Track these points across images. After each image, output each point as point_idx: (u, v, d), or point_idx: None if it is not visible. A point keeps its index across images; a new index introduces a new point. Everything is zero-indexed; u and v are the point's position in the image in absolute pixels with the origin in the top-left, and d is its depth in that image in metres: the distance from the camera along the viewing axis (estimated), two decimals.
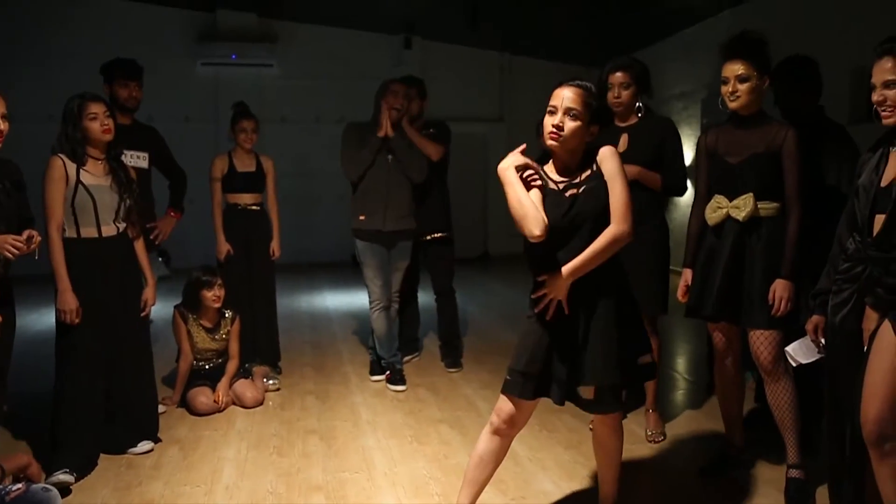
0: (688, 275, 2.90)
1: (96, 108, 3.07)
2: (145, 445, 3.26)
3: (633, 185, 3.14)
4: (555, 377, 2.28)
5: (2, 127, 2.63)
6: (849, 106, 5.11)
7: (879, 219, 2.06)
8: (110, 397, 3.18)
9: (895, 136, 2.10)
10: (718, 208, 2.75)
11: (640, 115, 3.24)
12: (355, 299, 6.72)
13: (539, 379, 2.28)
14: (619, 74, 3.18)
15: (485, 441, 2.38)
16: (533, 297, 2.30)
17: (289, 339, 5.14)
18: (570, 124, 2.22)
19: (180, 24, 8.99)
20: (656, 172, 3.20)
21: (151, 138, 3.92)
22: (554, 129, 2.23)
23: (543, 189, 2.26)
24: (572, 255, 2.23)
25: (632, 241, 3.16)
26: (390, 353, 4.25)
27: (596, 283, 2.26)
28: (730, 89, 2.67)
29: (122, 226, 3.18)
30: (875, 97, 2.04)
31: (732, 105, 2.69)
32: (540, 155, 2.37)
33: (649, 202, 3.24)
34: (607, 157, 2.27)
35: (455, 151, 4.58)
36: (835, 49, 4.92)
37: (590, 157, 2.30)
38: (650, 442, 3.30)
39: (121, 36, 8.07)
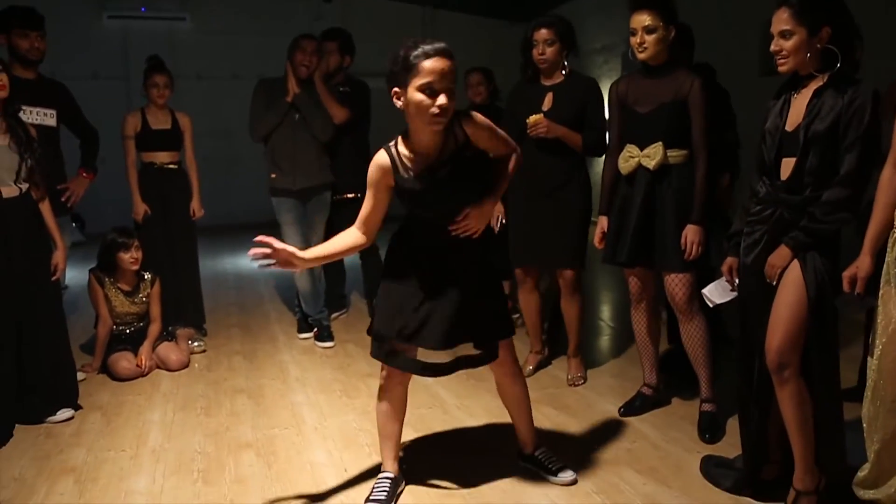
0: (603, 222, 2.99)
1: None
2: (64, 413, 3.16)
3: (556, 146, 3.22)
4: (431, 340, 2.29)
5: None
6: (759, 58, 5.30)
7: (787, 162, 2.17)
8: (23, 367, 3.06)
9: (796, 83, 2.20)
10: (630, 158, 2.83)
11: (564, 73, 3.27)
12: None
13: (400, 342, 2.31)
14: (543, 31, 3.18)
15: (380, 398, 2.45)
16: (451, 227, 2.25)
17: (214, 300, 5.05)
18: (452, 103, 2.11)
19: None
20: (578, 133, 3.25)
21: (58, 94, 3.70)
22: (439, 113, 2.08)
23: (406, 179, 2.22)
24: (437, 222, 2.26)
25: (558, 198, 3.26)
26: (316, 309, 4.24)
27: (463, 248, 2.30)
28: (637, 40, 2.73)
29: (24, 186, 3.01)
30: (772, 46, 2.13)
31: (641, 56, 2.76)
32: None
33: (573, 162, 3.30)
34: (472, 120, 2.23)
35: (377, 107, 4.52)
36: (745, 4, 5.08)
37: (450, 131, 2.21)
38: (571, 386, 3.43)
39: None
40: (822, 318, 2.12)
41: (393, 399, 2.43)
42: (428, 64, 2.06)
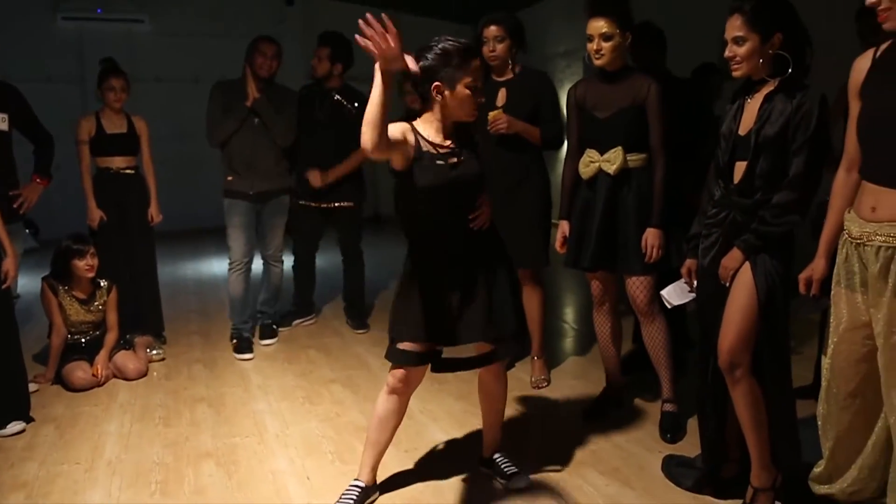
0: (564, 226, 3.00)
1: None
2: (15, 426, 3.06)
3: (514, 142, 3.23)
4: (445, 339, 2.32)
5: None
6: (720, 63, 5.38)
7: (740, 166, 2.21)
8: None
9: (750, 88, 2.24)
10: (591, 162, 2.85)
11: (516, 69, 3.28)
12: None
13: (428, 343, 2.31)
14: (493, 28, 3.20)
15: (382, 402, 2.40)
16: (472, 217, 2.30)
17: (174, 307, 4.96)
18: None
19: None
20: (536, 127, 3.26)
21: (10, 97, 3.58)
22: (476, 110, 2.27)
23: (420, 152, 2.23)
24: (454, 212, 2.26)
25: (517, 195, 3.26)
26: (242, 318, 4.18)
27: (480, 244, 2.33)
28: (594, 47, 2.75)
29: None
30: (726, 52, 2.17)
31: (597, 62, 2.78)
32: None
33: (532, 157, 3.31)
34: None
35: None
36: (707, 10, 5.16)
37: (464, 128, 2.32)
38: (535, 388, 3.44)
39: None
40: (773, 318, 2.16)
41: (400, 405, 2.40)
42: (475, 63, 2.22)
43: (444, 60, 2.17)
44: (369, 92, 2.02)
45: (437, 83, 2.18)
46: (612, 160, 2.79)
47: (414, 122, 2.27)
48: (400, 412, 2.41)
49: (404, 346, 2.30)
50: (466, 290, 2.29)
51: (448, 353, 2.40)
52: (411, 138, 2.21)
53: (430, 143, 2.23)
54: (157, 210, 4.17)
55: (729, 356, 2.17)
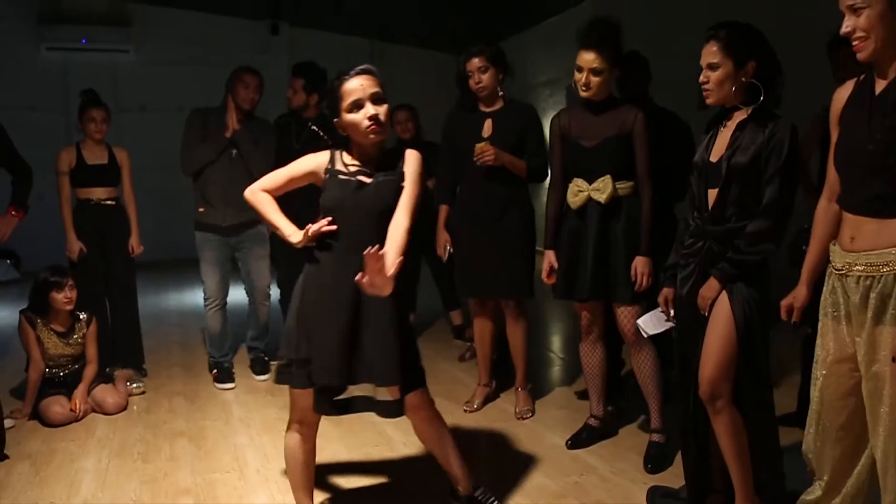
0: (551, 256, 2.98)
1: None
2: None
3: (498, 173, 3.24)
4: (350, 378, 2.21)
5: None
6: (696, 92, 5.45)
7: (713, 194, 2.22)
8: None
9: (724, 116, 2.27)
10: (579, 192, 2.84)
11: (504, 99, 3.29)
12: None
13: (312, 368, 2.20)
14: (475, 60, 3.22)
15: (289, 441, 2.34)
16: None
17: (155, 339, 4.89)
18: (382, 110, 2.17)
19: (17, 5, 8.23)
20: (521, 159, 3.27)
21: None
22: (372, 122, 2.13)
23: (330, 172, 2.23)
24: (352, 240, 2.16)
25: (501, 226, 3.27)
26: (221, 352, 4.13)
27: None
28: (583, 80, 2.76)
29: None
30: (700, 78, 2.20)
31: (584, 94, 2.80)
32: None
33: (516, 188, 3.32)
34: (413, 160, 2.25)
35: None
36: (689, 41, 5.24)
37: (393, 154, 2.27)
38: (519, 419, 3.41)
39: None
40: (752, 347, 2.16)
41: (307, 439, 2.32)
42: (348, 85, 2.15)
43: (329, 97, 2.23)
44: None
45: (335, 121, 2.22)
46: (601, 189, 2.80)
47: (341, 151, 2.28)
48: (311, 445, 2.35)
49: (297, 364, 2.21)
50: (353, 326, 2.18)
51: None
52: (322, 165, 2.24)
53: (344, 164, 2.24)
54: (137, 241, 4.14)
55: (709, 387, 2.17)
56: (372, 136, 2.16)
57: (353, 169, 2.22)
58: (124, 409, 3.70)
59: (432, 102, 6.51)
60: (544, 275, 3.02)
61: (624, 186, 2.83)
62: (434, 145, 4.71)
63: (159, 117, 8.86)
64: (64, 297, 3.61)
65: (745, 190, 2.15)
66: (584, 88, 2.78)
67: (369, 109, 2.13)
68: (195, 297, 6.85)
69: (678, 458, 2.83)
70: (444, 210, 3.53)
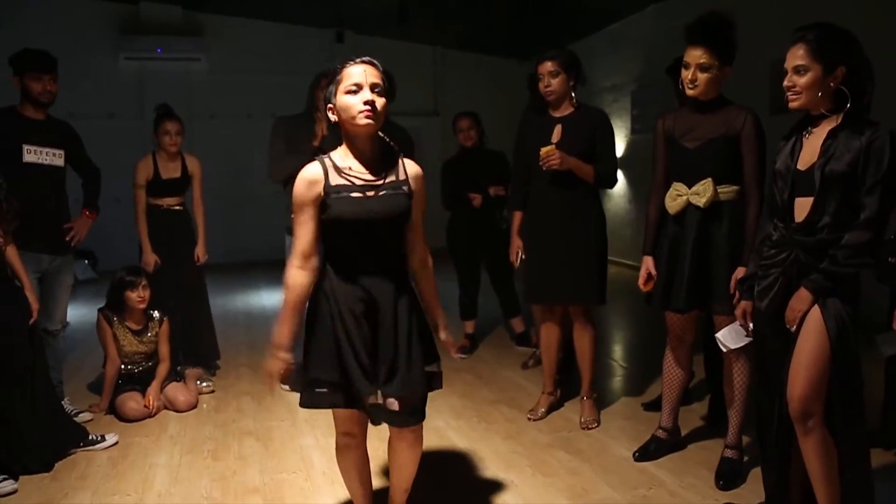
0: (648, 263, 2.89)
1: None
2: (112, 438, 3.29)
3: (568, 179, 3.21)
4: (357, 387, 2.11)
5: None
6: (769, 97, 5.30)
7: (800, 202, 2.13)
8: (4, 416, 2.96)
9: (808, 123, 2.17)
10: (678, 196, 2.74)
11: (574, 104, 3.26)
12: None
13: (344, 387, 2.13)
14: (547, 64, 3.20)
15: (339, 455, 2.33)
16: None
17: (224, 339, 4.99)
18: (380, 100, 2.06)
19: (101, 16, 8.63)
20: (590, 164, 3.24)
21: (67, 134, 3.72)
22: (367, 107, 2.02)
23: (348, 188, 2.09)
24: (366, 249, 2.12)
25: (571, 232, 3.23)
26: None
27: (395, 290, 2.15)
28: (689, 76, 2.64)
29: None
30: (785, 82, 2.11)
31: (691, 92, 2.67)
32: (329, 141, 2.16)
33: (586, 193, 3.27)
34: (419, 178, 2.17)
35: None
36: (755, 41, 5.10)
37: (390, 156, 2.16)
38: (584, 429, 3.35)
39: (39, 26, 7.74)
40: (846, 363, 2.06)
41: (359, 453, 2.31)
42: (351, 69, 2.08)
43: (328, 81, 2.14)
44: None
45: (329, 105, 2.12)
46: (701, 192, 2.68)
47: (331, 154, 2.14)
48: (364, 460, 2.33)
49: (322, 385, 2.14)
50: (376, 334, 2.13)
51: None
52: (318, 187, 2.08)
53: (345, 176, 2.09)
54: (203, 250, 4.26)
55: (801, 405, 2.07)
56: (364, 120, 2.03)
57: (355, 181, 2.09)
58: (195, 407, 3.81)
59: (495, 109, 6.51)
60: (641, 281, 2.91)
61: (726, 191, 2.70)
62: (497, 154, 4.71)
63: (228, 124, 9.15)
64: (138, 297, 3.74)
65: (840, 200, 2.05)
66: (690, 86, 2.65)
67: (366, 94, 2.03)
68: (261, 299, 7.03)
69: (751, 476, 2.76)
70: (517, 216, 3.50)
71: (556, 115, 3.28)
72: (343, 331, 2.11)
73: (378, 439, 2.47)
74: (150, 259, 4.08)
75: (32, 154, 3.44)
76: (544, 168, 3.15)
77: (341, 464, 2.34)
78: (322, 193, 2.08)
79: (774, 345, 2.20)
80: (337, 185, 2.08)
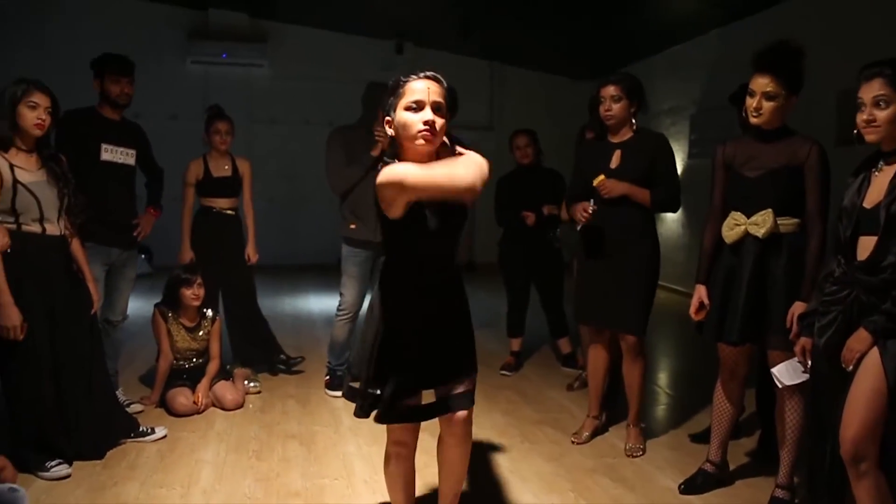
0: (702, 292, 2.83)
1: (39, 99, 2.91)
2: (161, 431, 3.39)
3: (623, 202, 3.18)
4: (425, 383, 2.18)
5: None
6: (835, 127, 5.17)
7: (864, 241, 2.08)
8: (62, 401, 3.04)
9: (878, 159, 2.12)
10: (736, 225, 2.69)
11: (633, 129, 3.24)
12: None
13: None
14: (610, 88, 3.18)
15: (388, 464, 2.33)
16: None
17: None
18: (440, 121, 2.02)
19: (171, 22, 8.94)
20: (646, 189, 3.20)
21: (138, 135, 3.87)
22: (426, 127, 1.99)
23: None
24: (427, 256, 2.15)
25: (624, 257, 3.19)
26: (339, 360, 4.19)
27: (452, 298, 2.22)
28: (754, 104, 2.59)
29: (63, 224, 3.03)
30: (864, 115, 2.06)
31: (754, 121, 2.61)
32: (391, 152, 2.13)
33: (642, 219, 3.24)
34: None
35: None
36: (822, 72, 4.99)
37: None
38: (629, 456, 3.30)
39: (111, 29, 8.03)
40: None
41: (408, 466, 2.32)
42: (414, 84, 2.03)
43: (389, 93, 2.08)
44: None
45: (386, 118, 2.10)
46: (760, 223, 2.62)
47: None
48: (411, 473, 2.34)
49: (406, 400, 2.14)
50: (434, 331, 2.16)
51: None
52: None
53: None
54: (253, 250, 4.36)
55: (854, 446, 2.01)
56: (421, 141, 2.00)
57: None
58: (241, 406, 3.88)
59: (549, 127, 6.49)
60: (692, 310, 2.85)
61: (786, 223, 2.64)
62: (552, 173, 4.70)
63: (287, 130, 9.35)
64: (192, 294, 3.84)
65: None
66: (755, 114, 2.60)
67: (427, 114, 1.99)
68: (309, 303, 7.13)
69: None
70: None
71: (615, 140, 3.26)
72: (405, 338, 2.13)
73: (423, 451, 2.47)
74: (187, 256, 4.19)
75: (109, 153, 3.59)
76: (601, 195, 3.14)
77: (388, 472, 2.35)
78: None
79: (830, 384, 2.14)
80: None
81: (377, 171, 2.03)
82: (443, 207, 2.08)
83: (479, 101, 10.01)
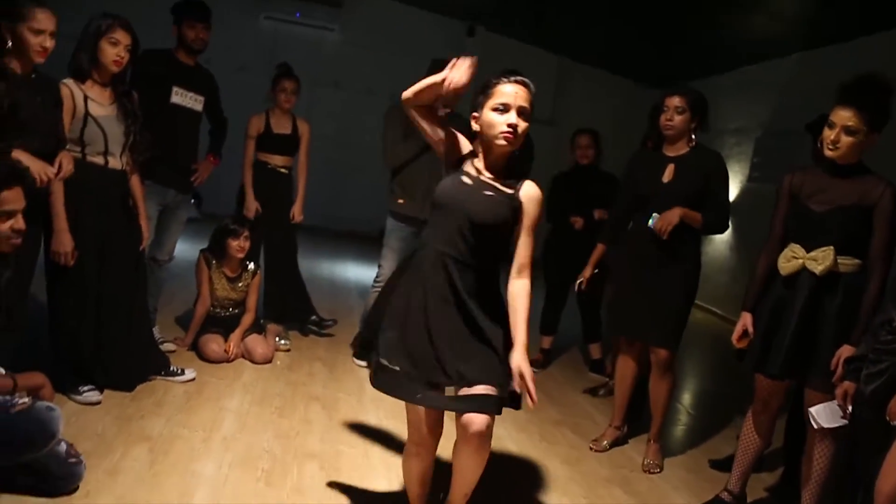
0: (747, 319, 2.78)
1: (121, 36, 2.97)
2: (190, 374, 3.46)
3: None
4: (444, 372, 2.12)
5: (49, 44, 2.68)
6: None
7: None
8: (101, 330, 3.13)
9: None
10: (794, 258, 2.62)
11: (690, 145, 3.18)
12: None
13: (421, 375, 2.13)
14: (675, 98, 3.12)
15: (406, 459, 2.35)
16: None
17: None
18: (523, 125, 2.12)
19: None
20: (698, 213, 3.13)
21: (209, 83, 3.92)
22: (509, 129, 2.10)
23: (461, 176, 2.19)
24: (449, 241, 2.14)
25: (665, 274, 3.14)
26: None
27: (483, 290, 2.19)
28: (832, 137, 2.49)
29: (126, 159, 3.11)
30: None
31: (830, 154, 2.52)
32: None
33: (688, 237, 3.18)
34: (535, 201, 2.19)
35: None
36: None
37: (512, 169, 2.21)
38: (646, 472, 3.27)
39: None
40: None
41: (424, 468, 2.34)
42: (504, 87, 2.12)
43: (480, 90, 2.17)
44: None
45: (473, 114, 2.19)
46: (819, 259, 2.55)
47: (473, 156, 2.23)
48: (429, 466, 2.35)
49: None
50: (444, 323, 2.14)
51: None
52: (463, 150, 2.23)
53: (474, 167, 2.20)
54: (300, 210, 4.39)
55: (888, 501, 1.97)
56: (503, 141, 2.11)
57: (478, 176, 2.18)
58: (270, 361, 3.94)
59: (609, 129, 6.39)
60: (735, 336, 2.80)
61: (847, 263, 2.56)
62: (609, 176, 4.64)
63: (349, 96, 9.40)
64: (238, 245, 3.90)
65: None
66: (831, 147, 2.51)
67: (512, 117, 2.10)
68: (346, 270, 7.19)
69: None
70: (599, 249, 3.49)
71: (670, 153, 3.20)
72: (426, 317, 2.14)
73: (445, 437, 2.48)
74: (252, 206, 4.23)
75: (179, 96, 3.66)
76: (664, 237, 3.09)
77: (406, 467, 2.37)
78: (455, 160, 2.22)
79: (872, 433, 2.08)
80: (465, 169, 2.19)
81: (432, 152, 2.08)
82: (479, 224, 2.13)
83: (542, 94, 9.87)
